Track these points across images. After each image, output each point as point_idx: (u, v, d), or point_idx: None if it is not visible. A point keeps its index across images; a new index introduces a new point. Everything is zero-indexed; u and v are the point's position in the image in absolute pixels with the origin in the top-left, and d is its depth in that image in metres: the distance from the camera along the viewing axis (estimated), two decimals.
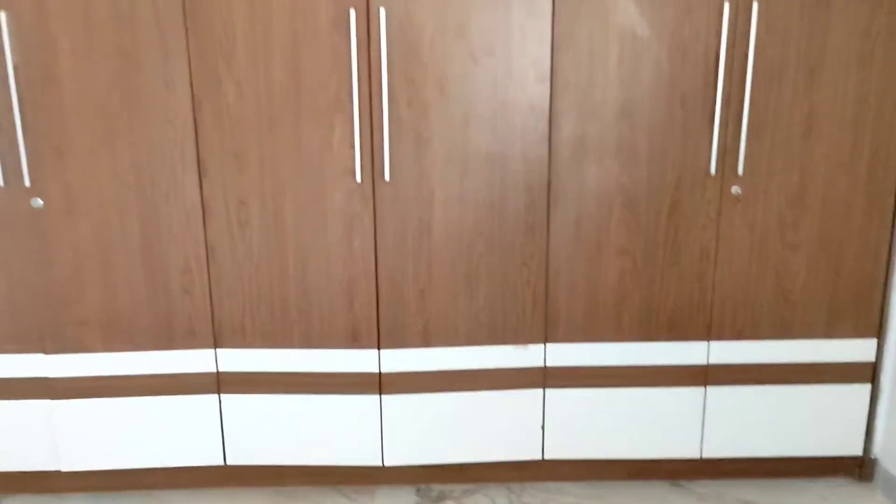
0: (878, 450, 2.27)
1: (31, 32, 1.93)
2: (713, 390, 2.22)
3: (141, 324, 2.15)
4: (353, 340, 2.17)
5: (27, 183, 2.02)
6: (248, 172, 2.05)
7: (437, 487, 2.31)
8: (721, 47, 1.96)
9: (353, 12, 1.93)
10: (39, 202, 2.05)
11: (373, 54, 1.97)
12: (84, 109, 1.99)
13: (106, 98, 1.98)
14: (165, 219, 2.08)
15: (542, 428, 2.25)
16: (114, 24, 1.94)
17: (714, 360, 2.20)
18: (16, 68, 1.95)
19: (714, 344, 2.19)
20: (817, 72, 1.98)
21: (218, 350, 2.18)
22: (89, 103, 1.98)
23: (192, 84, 1.99)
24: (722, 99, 1.99)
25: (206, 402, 2.22)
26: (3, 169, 2.02)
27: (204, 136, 2.03)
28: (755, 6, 1.93)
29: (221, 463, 2.27)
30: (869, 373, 2.21)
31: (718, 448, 2.26)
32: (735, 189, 2.06)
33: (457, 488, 2.31)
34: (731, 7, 1.94)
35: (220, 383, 2.21)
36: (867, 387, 2.22)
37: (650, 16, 1.96)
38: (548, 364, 2.20)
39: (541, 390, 2.22)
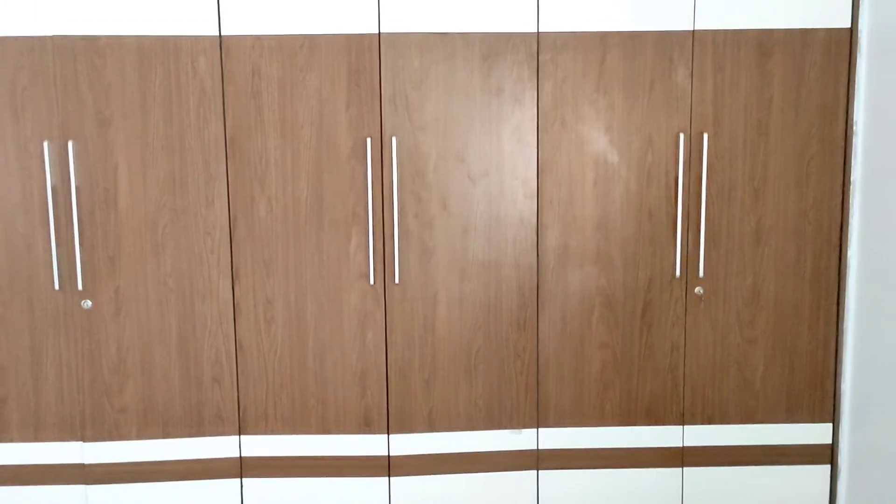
0: None
1: (94, 159, 2.26)
2: (689, 471, 2.44)
3: (174, 411, 2.37)
4: (366, 426, 2.39)
5: (80, 287, 2.30)
6: (275, 276, 2.34)
7: None
8: (679, 171, 2.31)
9: (369, 141, 2.28)
10: (89, 303, 2.32)
11: (385, 176, 2.30)
12: (136, 224, 2.29)
13: (155, 214, 2.29)
14: (200, 317, 2.35)
15: None
16: (166, 153, 2.27)
17: (689, 443, 2.43)
18: (77, 189, 2.26)
19: (688, 428, 2.43)
20: (761, 191, 2.33)
21: (242, 436, 2.40)
22: (140, 219, 2.29)
23: (229, 202, 2.30)
24: (682, 213, 2.32)
25: (228, 487, 2.41)
26: (59, 275, 2.29)
27: (238, 245, 2.33)
28: (706, 136, 2.29)
29: None
30: (828, 454, 2.45)
31: None
32: (698, 289, 2.36)
33: None
34: (685, 138, 2.30)
35: (242, 468, 2.41)
36: (827, 468, 2.45)
37: (619, 146, 2.31)
38: (540, 447, 2.43)
39: (534, 472, 2.44)
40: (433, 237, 2.34)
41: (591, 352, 2.40)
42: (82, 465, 2.38)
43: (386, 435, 2.40)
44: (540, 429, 2.43)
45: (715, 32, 2.26)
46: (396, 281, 2.33)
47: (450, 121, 2.30)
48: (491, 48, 2.28)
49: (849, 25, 2.27)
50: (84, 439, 2.37)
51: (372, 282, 2.33)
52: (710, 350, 2.40)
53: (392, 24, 2.25)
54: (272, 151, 2.30)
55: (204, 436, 2.39)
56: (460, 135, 2.31)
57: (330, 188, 2.31)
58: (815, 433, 2.44)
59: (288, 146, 2.30)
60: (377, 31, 2.25)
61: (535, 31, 2.27)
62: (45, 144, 2.24)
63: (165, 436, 2.39)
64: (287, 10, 2.24)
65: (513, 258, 2.36)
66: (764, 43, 2.27)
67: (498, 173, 2.33)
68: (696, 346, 2.39)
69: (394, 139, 2.28)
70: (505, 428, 2.42)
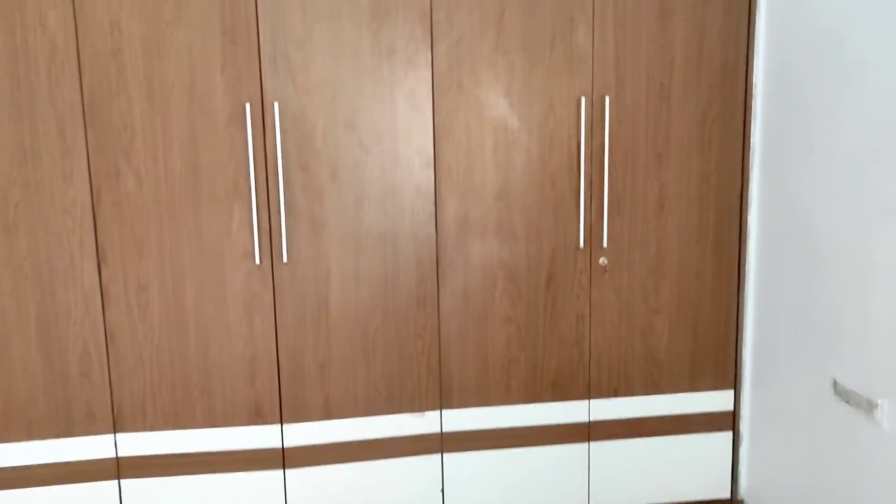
0: (743, 492, 2.33)
1: None
2: (595, 445, 2.24)
3: (38, 411, 1.99)
4: (256, 416, 2.08)
5: None
6: (148, 258, 1.99)
7: None
8: (581, 136, 2.08)
9: (248, 106, 1.94)
10: None
11: (268, 144, 1.98)
12: None
13: (5, 190, 1.89)
14: (63, 305, 1.97)
15: (442, 491, 2.20)
16: (14, 121, 1.86)
17: (595, 417, 2.23)
18: None
19: (594, 402, 2.22)
20: (664, 156, 2.13)
21: (118, 435, 2.04)
22: None
23: (90, 176, 1.93)
24: (585, 181, 2.10)
25: (105, 490, 2.06)
26: None
27: (103, 224, 1.96)
28: (607, 100, 2.07)
29: None
30: (730, 421, 2.30)
31: (604, 499, 2.28)
32: (602, 260, 2.15)
33: None
34: (587, 101, 2.07)
35: (119, 469, 2.06)
36: (729, 434, 2.31)
37: (520, 110, 2.06)
38: (444, 430, 2.18)
39: (439, 455, 2.19)
40: (323, 210, 2.04)
41: (495, 327, 2.16)
42: None
43: (279, 425, 2.10)
44: (443, 410, 2.17)
45: None
46: (284, 259, 2.02)
47: (338, 84, 1.99)
48: (380, 5, 1.98)
49: None
50: None
51: (258, 261, 2.01)
52: (615, 321, 2.20)
53: None
54: (138, 117, 1.93)
55: (74, 436, 2.02)
56: (350, 99, 2.01)
57: (207, 159, 1.97)
58: (718, 400, 2.28)
59: (157, 111, 1.94)
60: None
61: None
62: None
63: (30, 437, 2.00)
64: None
65: (410, 230, 2.09)
66: (665, 1, 2.06)
67: (392, 140, 2.04)
68: (602, 317, 2.19)
69: (276, 104, 1.96)
70: (407, 411, 2.16)
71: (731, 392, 2.28)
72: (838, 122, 1.78)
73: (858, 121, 1.71)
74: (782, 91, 2.01)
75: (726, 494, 2.33)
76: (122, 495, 2.06)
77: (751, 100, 2.11)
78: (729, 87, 2.11)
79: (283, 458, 2.11)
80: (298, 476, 2.12)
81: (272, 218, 2.00)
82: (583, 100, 2.05)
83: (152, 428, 2.05)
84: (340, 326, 2.09)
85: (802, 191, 1.94)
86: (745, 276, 2.21)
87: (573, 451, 2.23)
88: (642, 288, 2.19)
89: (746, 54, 2.10)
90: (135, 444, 2.05)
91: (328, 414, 2.11)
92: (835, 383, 1.83)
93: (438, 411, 2.16)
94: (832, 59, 1.80)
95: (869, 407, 1.70)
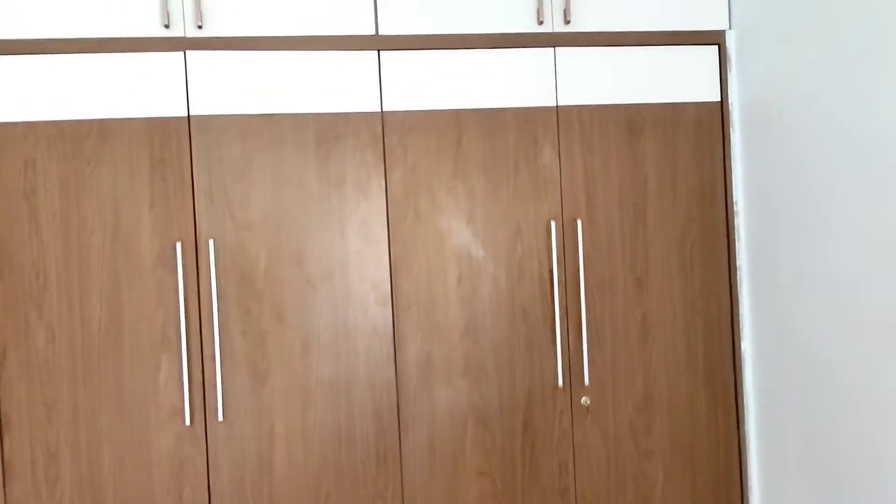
0: None
1: None
2: None
3: None
4: None
5: None
6: (59, 422, 1.70)
7: None
8: (553, 263, 1.88)
9: (179, 246, 1.72)
10: None
11: (202, 286, 1.75)
12: None
13: None
14: None
15: None
16: None
17: None
18: None
19: None
20: (644, 281, 1.93)
21: None
22: None
23: None
24: (560, 311, 1.88)
25: None
26: None
27: (7, 386, 1.68)
28: (579, 223, 1.89)
29: None
30: None
31: None
32: (584, 399, 1.90)
33: None
34: (557, 225, 1.89)
35: None
36: None
37: (484, 237, 1.87)
38: None
39: None
40: (266, 357, 1.78)
41: (467, 482, 1.87)
42: None
43: None
44: None
45: (580, 108, 1.90)
46: (220, 417, 1.74)
47: (282, 217, 1.79)
48: (328, 130, 1.80)
49: (718, 99, 1.96)
50: None
51: (188, 421, 1.73)
52: (602, 467, 1.92)
53: (204, 106, 1.75)
54: (53, 264, 1.69)
55: None
56: (296, 233, 1.80)
57: (131, 306, 1.72)
58: None
59: (73, 257, 1.70)
60: (186, 114, 1.74)
61: (379, 110, 1.83)
62: None
63: None
64: (68, 91, 1.70)
65: (366, 375, 1.83)
66: (633, 119, 1.92)
67: (343, 276, 1.82)
68: (588, 463, 1.92)
69: (211, 242, 1.74)
70: None
71: None
72: (825, 245, 1.60)
73: (848, 244, 1.53)
74: (765, 209, 1.85)
75: None
76: None
77: (733, 218, 1.94)
78: (708, 206, 1.94)
79: None
80: None
81: (206, 369, 1.74)
82: (553, 224, 1.87)
83: None
84: (286, 492, 1.78)
85: (798, 315, 1.73)
86: (743, 408, 1.97)
87: None
88: (631, 428, 1.93)
89: (724, 171, 1.95)
90: None
91: None
92: None
93: None
94: (808, 181, 1.64)
95: None
